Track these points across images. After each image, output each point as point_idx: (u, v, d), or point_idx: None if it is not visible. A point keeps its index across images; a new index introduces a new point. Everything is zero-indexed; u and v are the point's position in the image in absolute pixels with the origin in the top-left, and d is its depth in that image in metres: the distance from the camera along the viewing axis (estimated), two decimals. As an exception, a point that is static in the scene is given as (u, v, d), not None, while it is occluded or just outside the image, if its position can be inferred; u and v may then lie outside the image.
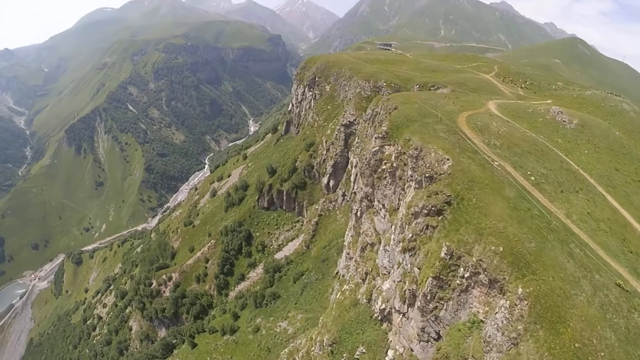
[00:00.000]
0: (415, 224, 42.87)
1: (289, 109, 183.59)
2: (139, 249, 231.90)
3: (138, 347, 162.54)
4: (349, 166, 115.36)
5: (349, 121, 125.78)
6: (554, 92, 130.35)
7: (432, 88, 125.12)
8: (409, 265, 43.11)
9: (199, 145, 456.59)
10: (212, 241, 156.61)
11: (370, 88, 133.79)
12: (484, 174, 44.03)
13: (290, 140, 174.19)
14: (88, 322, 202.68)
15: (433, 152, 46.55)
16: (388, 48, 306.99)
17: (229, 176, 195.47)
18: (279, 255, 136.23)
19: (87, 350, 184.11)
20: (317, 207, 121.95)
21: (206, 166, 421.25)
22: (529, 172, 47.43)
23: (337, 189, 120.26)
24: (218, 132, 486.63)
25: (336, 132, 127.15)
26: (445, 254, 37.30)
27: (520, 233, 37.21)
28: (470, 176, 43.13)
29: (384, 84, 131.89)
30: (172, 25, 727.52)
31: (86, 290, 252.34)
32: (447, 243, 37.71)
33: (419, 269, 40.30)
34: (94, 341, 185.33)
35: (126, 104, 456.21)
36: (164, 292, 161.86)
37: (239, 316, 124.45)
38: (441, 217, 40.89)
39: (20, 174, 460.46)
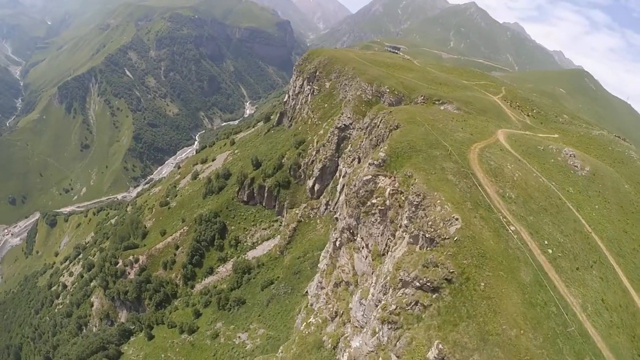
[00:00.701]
0: (403, 294, 33.94)
1: (285, 99, 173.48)
2: (113, 221, 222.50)
3: (97, 325, 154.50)
4: (338, 174, 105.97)
5: (344, 124, 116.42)
6: (561, 126, 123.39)
7: (437, 102, 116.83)
8: (385, 339, 34.38)
9: (191, 120, 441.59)
10: (185, 228, 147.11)
11: (372, 92, 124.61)
12: (498, 246, 35.26)
13: (281, 132, 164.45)
14: (53, 289, 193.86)
15: (439, 206, 37.45)
16: (396, 52, 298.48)
17: (213, 160, 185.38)
18: (251, 254, 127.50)
19: (48, 318, 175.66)
20: (297, 211, 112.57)
21: (196, 142, 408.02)
22: (545, 242, 39.13)
23: (322, 196, 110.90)
24: (213, 110, 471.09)
25: (329, 135, 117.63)
26: (434, 357, 28.53)
27: (534, 347, 28.90)
28: (481, 248, 34.30)
29: (387, 90, 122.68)
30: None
31: (56, 254, 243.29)
32: (440, 344, 28.84)
33: (398, 357, 31.57)
34: (56, 310, 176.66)
35: (123, 69, 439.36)
36: (129, 273, 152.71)
37: (201, 314, 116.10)
38: (436, 295, 32.08)
39: (7, 124, 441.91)
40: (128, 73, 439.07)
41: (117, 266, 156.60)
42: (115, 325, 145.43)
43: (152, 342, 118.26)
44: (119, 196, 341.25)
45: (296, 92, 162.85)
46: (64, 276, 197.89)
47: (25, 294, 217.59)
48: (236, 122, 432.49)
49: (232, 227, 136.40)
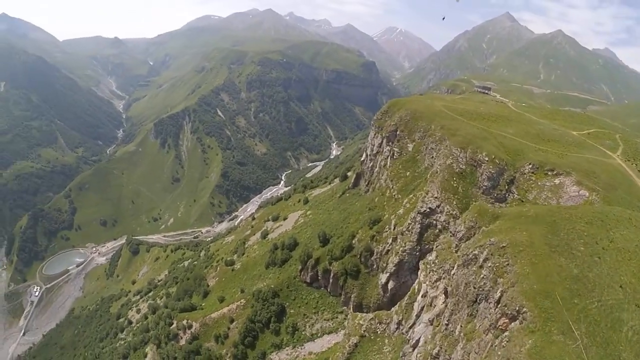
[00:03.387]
0: None
1: (362, 158, 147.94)
2: (186, 263, 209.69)
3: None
4: (416, 285, 76.84)
5: (429, 208, 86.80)
6: None
7: (549, 172, 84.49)
8: None
9: (278, 160, 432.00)
10: (242, 300, 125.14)
11: (465, 161, 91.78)
12: None
13: (356, 197, 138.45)
14: (120, 320, 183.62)
15: None
16: (487, 92, 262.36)
17: (285, 219, 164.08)
18: (309, 347, 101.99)
19: (109, 351, 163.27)
20: (361, 322, 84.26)
21: (282, 182, 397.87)
22: None
23: (393, 309, 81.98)
24: (300, 150, 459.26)
25: (410, 220, 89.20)
26: None
27: None
28: None
29: (486, 159, 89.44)
30: (271, 40, 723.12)
31: (133, 282, 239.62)
32: None
33: None
34: (117, 345, 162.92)
35: (216, 109, 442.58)
36: (181, 338, 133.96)
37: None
38: None
39: (108, 152, 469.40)
40: (220, 113, 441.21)
41: (171, 327, 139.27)
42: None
43: None
44: (203, 230, 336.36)
45: (374, 151, 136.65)
46: (132, 310, 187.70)
47: (98, 316, 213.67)
48: (322, 162, 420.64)
49: (292, 311, 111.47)
